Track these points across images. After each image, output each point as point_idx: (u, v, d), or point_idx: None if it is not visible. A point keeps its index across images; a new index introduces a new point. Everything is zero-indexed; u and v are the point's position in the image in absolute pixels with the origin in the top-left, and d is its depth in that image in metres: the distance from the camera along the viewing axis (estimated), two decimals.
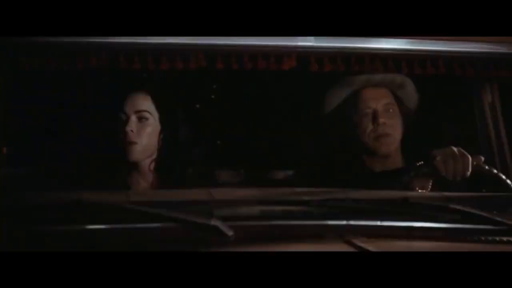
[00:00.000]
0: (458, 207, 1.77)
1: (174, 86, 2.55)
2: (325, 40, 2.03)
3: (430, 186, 2.40)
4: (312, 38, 2.03)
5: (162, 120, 2.48)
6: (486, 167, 2.31)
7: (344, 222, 1.76)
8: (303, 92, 2.76)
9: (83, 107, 2.77)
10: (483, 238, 1.72)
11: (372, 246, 1.65)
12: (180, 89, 2.59)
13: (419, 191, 2.34)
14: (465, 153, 2.30)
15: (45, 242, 1.65)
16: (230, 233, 1.67)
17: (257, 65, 2.02)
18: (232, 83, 2.73)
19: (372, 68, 2.09)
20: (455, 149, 2.31)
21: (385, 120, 2.53)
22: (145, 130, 2.45)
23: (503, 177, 2.31)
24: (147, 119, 2.45)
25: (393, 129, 2.55)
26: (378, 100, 2.55)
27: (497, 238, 1.72)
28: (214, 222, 1.67)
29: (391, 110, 2.56)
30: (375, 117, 2.53)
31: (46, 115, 2.80)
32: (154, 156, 2.49)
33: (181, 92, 2.58)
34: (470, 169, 2.29)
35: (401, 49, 2.09)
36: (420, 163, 2.34)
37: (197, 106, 2.99)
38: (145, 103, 2.47)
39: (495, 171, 2.32)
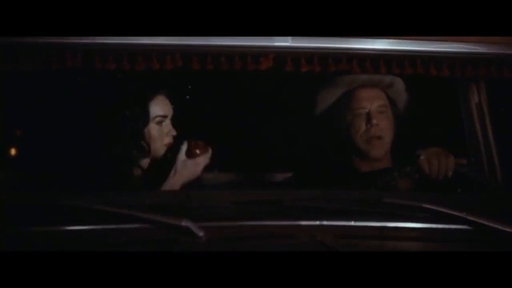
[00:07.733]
0: (431, 206, 1.77)
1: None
2: (302, 40, 2.02)
3: (415, 187, 2.39)
4: (289, 38, 2.01)
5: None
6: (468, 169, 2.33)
7: (317, 223, 1.76)
8: (286, 92, 2.75)
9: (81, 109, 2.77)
10: (455, 237, 1.72)
11: (344, 246, 1.65)
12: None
13: (404, 191, 2.33)
14: (449, 153, 2.31)
15: (18, 243, 1.65)
16: (201, 233, 1.67)
17: (234, 66, 2.01)
18: (208, 84, 2.73)
19: (349, 69, 2.07)
20: (439, 149, 2.31)
21: (378, 121, 2.47)
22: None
23: (485, 179, 2.32)
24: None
25: (385, 131, 2.49)
26: (372, 101, 2.50)
27: (470, 238, 1.72)
28: (185, 223, 1.68)
29: (384, 112, 2.50)
30: (368, 118, 2.48)
31: (41, 115, 2.80)
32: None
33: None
34: (452, 169, 2.29)
35: (379, 49, 2.07)
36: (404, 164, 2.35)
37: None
38: (165, 108, 2.47)
39: (475, 173, 2.33)
